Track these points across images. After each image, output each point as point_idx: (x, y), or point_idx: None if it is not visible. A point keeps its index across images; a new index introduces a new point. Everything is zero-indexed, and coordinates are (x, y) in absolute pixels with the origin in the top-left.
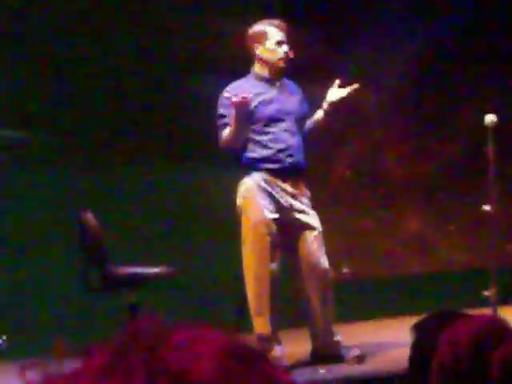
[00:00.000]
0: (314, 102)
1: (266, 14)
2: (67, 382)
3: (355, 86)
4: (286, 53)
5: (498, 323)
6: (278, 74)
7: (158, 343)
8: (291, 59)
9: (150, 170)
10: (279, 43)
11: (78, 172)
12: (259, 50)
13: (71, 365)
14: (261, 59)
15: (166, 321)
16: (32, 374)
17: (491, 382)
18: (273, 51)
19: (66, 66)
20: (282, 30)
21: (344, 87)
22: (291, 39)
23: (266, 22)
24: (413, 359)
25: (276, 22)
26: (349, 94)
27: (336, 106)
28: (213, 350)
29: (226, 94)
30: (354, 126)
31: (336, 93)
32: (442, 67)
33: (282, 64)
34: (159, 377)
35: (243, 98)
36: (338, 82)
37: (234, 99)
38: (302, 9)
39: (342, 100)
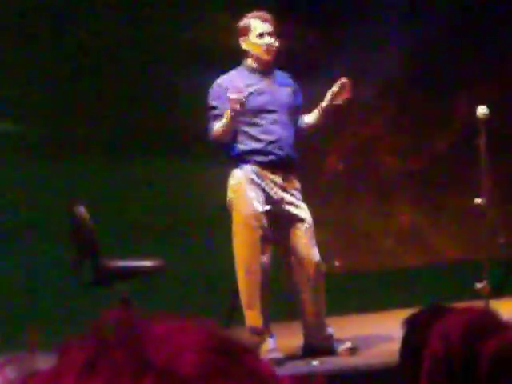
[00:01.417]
0: (305, 98)
1: (260, 7)
2: (48, 380)
3: (344, 80)
4: (268, 44)
5: (489, 316)
6: (265, 66)
7: (138, 337)
8: (276, 50)
9: (141, 164)
10: (261, 35)
11: (70, 165)
12: (245, 44)
13: (51, 358)
14: (247, 52)
15: (141, 312)
16: (12, 371)
17: (482, 374)
18: (255, 44)
19: (57, 59)
20: (266, 21)
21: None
22: (284, 32)
23: (251, 15)
24: (403, 353)
25: (261, 14)
26: (340, 88)
27: (333, 104)
28: (195, 344)
29: (218, 82)
30: (346, 119)
31: (333, 92)
32: (434, 60)
33: (265, 55)
34: (145, 373)
35: (234, 96)
36: (341, 81)
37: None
38: (296, 4)
39: (335, 96)
